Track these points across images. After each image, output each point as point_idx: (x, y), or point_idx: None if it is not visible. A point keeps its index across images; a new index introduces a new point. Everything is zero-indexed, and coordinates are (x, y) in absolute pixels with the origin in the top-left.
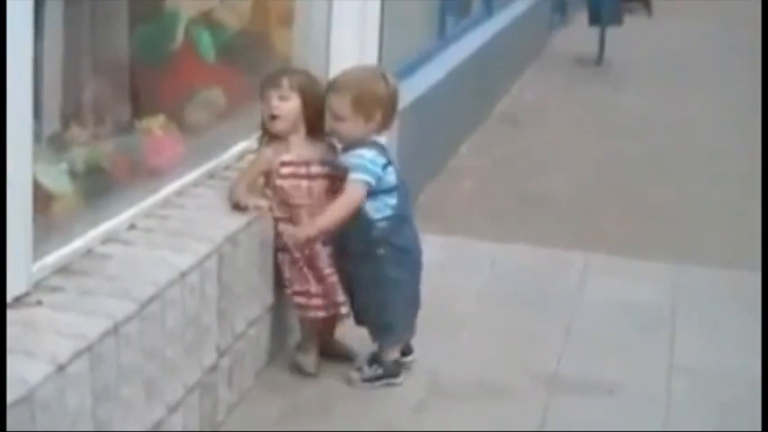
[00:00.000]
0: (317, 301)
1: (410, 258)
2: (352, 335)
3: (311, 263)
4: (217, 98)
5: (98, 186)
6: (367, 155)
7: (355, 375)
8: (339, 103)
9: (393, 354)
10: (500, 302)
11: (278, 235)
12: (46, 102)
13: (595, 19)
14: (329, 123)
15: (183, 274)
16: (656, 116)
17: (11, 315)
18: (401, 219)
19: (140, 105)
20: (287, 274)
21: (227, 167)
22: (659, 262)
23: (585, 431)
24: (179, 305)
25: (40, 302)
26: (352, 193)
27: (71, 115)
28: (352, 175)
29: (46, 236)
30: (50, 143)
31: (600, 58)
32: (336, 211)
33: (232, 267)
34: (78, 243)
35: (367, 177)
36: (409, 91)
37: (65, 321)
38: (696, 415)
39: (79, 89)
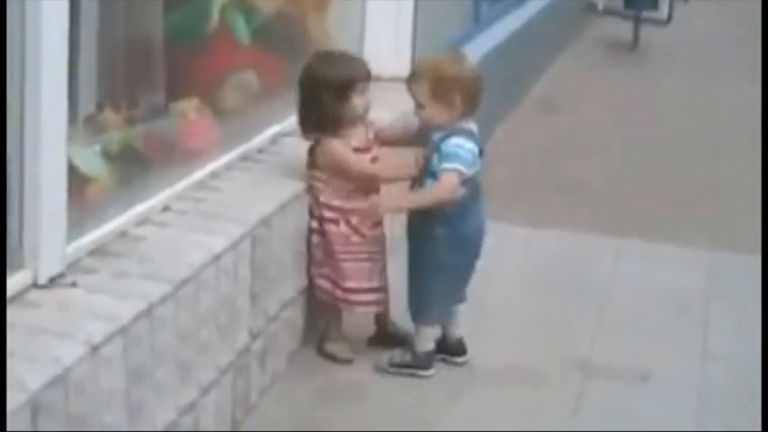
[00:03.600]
0: (374, 296)
1: (468, 246)
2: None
3: (371, 249)
4: (251, 81)
5: (132, 169)
6: (466, 144)
7: (384, 359)
8: (418, 91)
9: (427, 343)
10: (534, 288)
11: (323, 226)
12: (81, 84)
13: (631, 3)
14: (416, 112)
15: (217, 257)
16: (692, 101)
17: (45, 295)
18: (466, 206)
19: (174, 88)
20: (345, 270)
21: (260, 150)
22: (694, 248)
23: (619, 416)
24: (213, 287)
25: (74, 284)
26: (446, 182)
27: (106, 98)
28: (446, 164)
29: (80, 217)
30: (85, 126)
31: (635, 43)
32: (427, 196)
33: (266, 250)
34: (113, 225)
35: (460, 166)
36: None
37: (99, 303)
38: (729, 401)
39: (114, 72)
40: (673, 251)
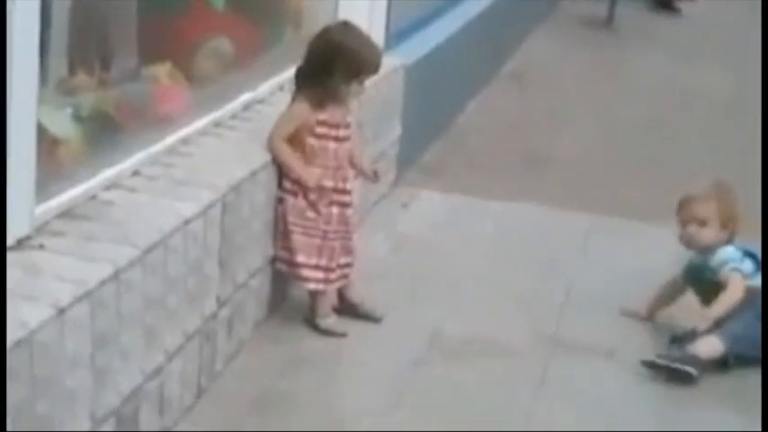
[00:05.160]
0: (322, 275)
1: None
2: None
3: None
4: (225, 48)
5: (103, 132)
6: (729, 248)
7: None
8: (706, 209)
9: (706, 352)
10: (503, 261)
11: (282, 195)
12: (53, 47)
13: None
14: (685, 230)
15: (186, 222)
16: (666, 79)
17: (12, 257)
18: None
19: (148, 53)
20: (294, 242)
21: (233, 117)
22: (665, 226)
23: (584, 391)
24: (181, 253)
25: (42, 246)
26: (735, 285)
27: (78, 61)
28: (728, 269)
29: (50, 180)
30: (57, 88)
31: (610, 19)
32: (728, 302)
33: (235, 217)
34: (82, 188)
35: (737, 265)
36: (417, 48)
37: (66, 266)
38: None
39: (87, 35)
40: (644, 229)
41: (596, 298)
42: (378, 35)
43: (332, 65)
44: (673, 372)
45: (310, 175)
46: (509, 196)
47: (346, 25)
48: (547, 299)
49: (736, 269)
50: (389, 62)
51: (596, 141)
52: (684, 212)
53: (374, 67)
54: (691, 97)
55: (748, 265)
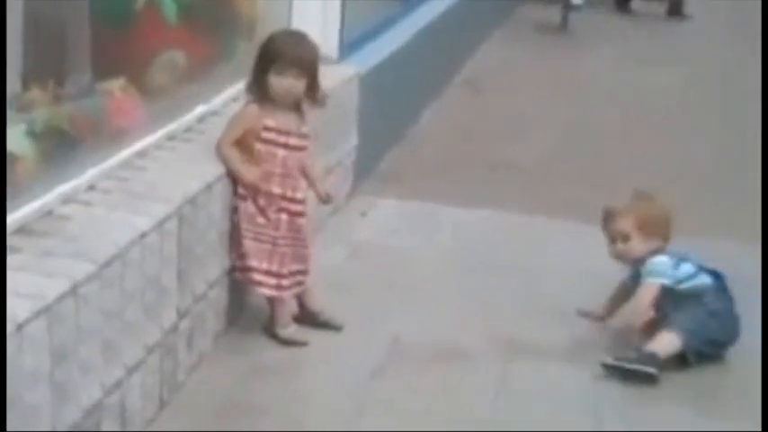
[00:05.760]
0: (275, 281)
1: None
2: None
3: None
4: (179, 60)
5: (58, 148)
6: (657, 259)
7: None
8: (624, 225)
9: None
10: (460, 267)
11: (235, 201)
12: (6, 63)
13: None
14: (614, 247)
15: (143, 235)
16: (622, 83)
17: None
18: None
19: (102, 67)
20: (245, 246)
21: (187, 129)
22: None
23: (542, 395)
24: (138, 266)
25: None
26: (646, 294)
27: (32, 77)
28: (648, 280)
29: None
30: (10, 104)
31: (564, 24)
32: (637, 312)
33: (192, 229)
34: (38, 204)
35: (659, 279)
36: (371, 57)
37: (23, 281)
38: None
39: (40, 50)
40: (601, 233)
41: (555, 301)
42: (331, 45)
43: (257, 59)
44: (632, 373)
45: (249, 171)
46: (467, 202)
47: (289, 31)
48: (505, 303)
49: (656, 283)
50: (344, 71)
51: (553, 146)
52: (607, 229)
53: (288, 57)
54: (646, 100)
55: (686, 269)
